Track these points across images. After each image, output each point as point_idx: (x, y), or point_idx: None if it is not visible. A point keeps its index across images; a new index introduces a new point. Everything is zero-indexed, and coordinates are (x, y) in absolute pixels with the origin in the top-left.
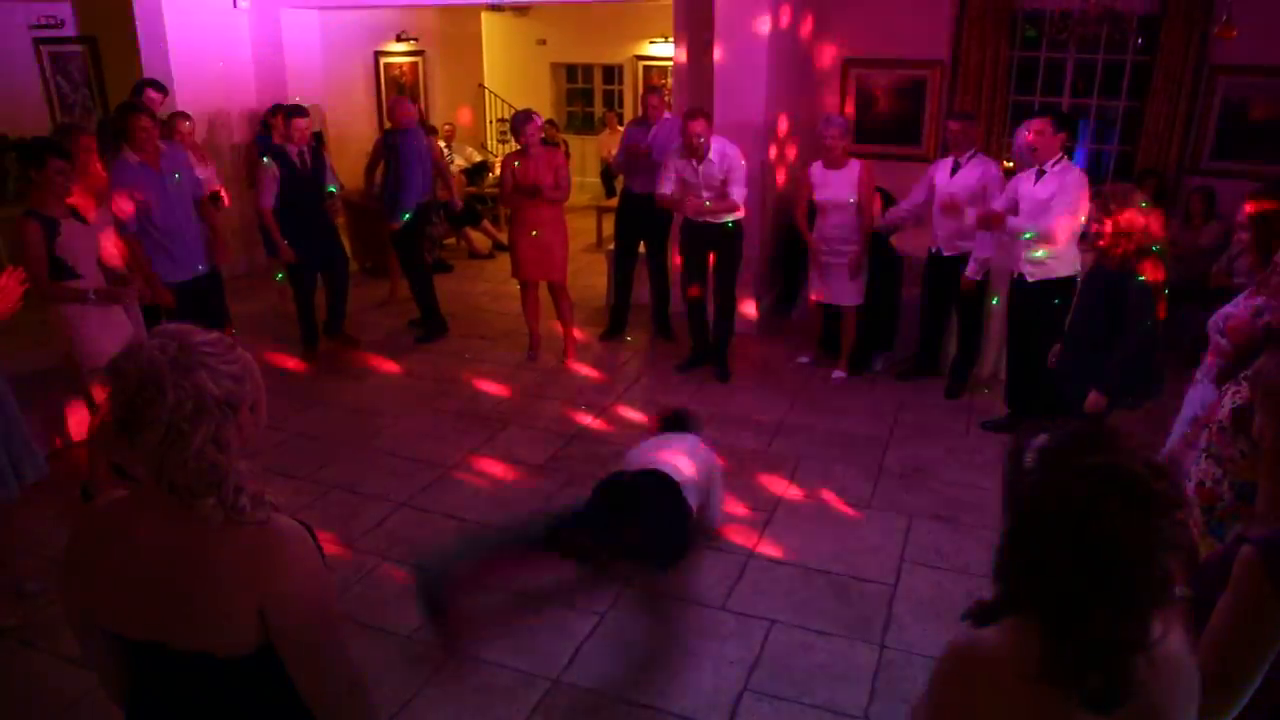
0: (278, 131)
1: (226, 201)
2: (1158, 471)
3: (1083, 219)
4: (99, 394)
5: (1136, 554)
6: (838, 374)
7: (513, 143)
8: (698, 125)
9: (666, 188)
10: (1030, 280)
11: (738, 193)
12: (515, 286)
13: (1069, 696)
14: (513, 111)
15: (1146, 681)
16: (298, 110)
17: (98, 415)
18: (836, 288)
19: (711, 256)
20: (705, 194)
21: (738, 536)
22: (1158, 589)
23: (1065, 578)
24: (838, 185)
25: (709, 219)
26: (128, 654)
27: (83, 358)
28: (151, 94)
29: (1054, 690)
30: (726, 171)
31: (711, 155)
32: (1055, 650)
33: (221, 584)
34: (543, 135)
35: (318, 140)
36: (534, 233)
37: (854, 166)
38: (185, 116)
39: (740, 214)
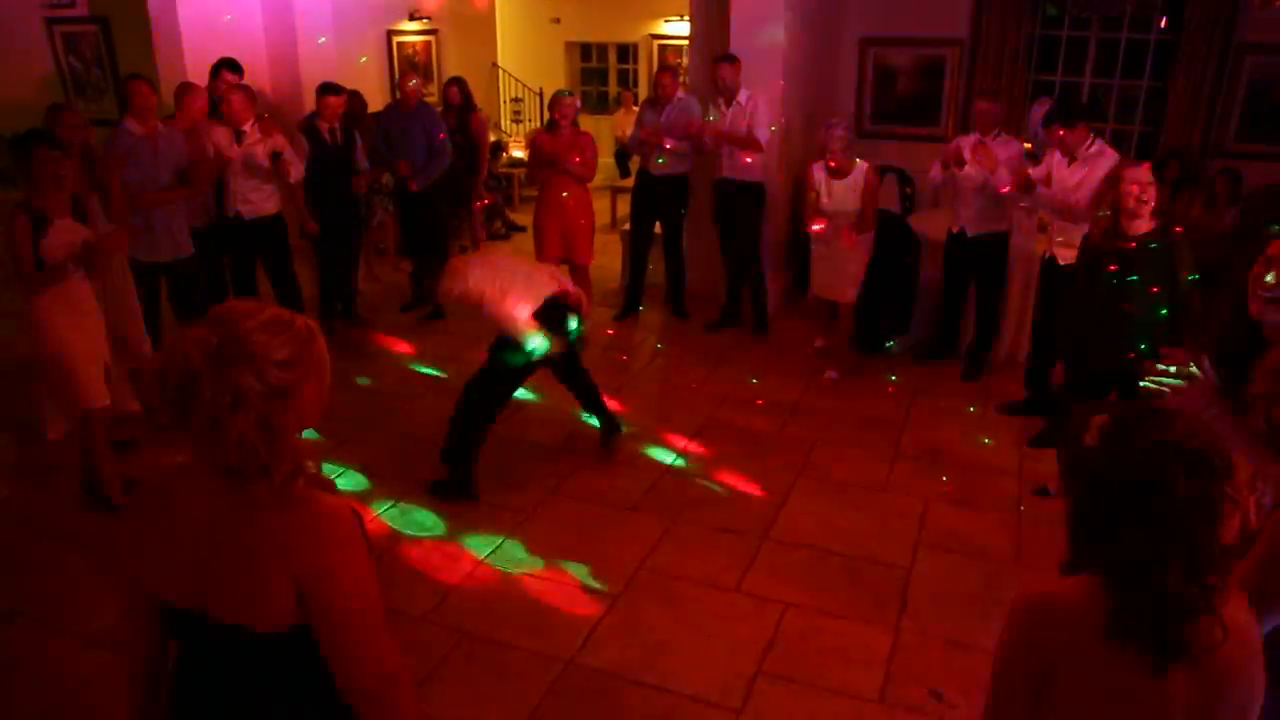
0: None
1: (292, 172)
2: (1213, 445)
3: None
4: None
5: (1199, 520)
6: (831, 374)
7: (526, 123)
8: (727, 70)
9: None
10: (1062, 263)
11: (762, 134)
12: None
13: (1141, 654)
14: (525, 91)
15: (1215, 645)
16: (330, 88)
17: (103, 413)
18: (834, 283)
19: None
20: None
21: (751, 519)
22: (1218, 554)
23: (1134, 543)
24: (842, 195)
25: (735, 176)
26: (171, 624)
27: (49, 359)
28: (227, 76)
29: (1126, 647)
30: (752, 114)
31: (740, 98)
32: (1125, 606)
33: (260, 557)
34: (574, 120)
35: (349, 119)
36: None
37: (858, 173)
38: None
39: (760, 173)
